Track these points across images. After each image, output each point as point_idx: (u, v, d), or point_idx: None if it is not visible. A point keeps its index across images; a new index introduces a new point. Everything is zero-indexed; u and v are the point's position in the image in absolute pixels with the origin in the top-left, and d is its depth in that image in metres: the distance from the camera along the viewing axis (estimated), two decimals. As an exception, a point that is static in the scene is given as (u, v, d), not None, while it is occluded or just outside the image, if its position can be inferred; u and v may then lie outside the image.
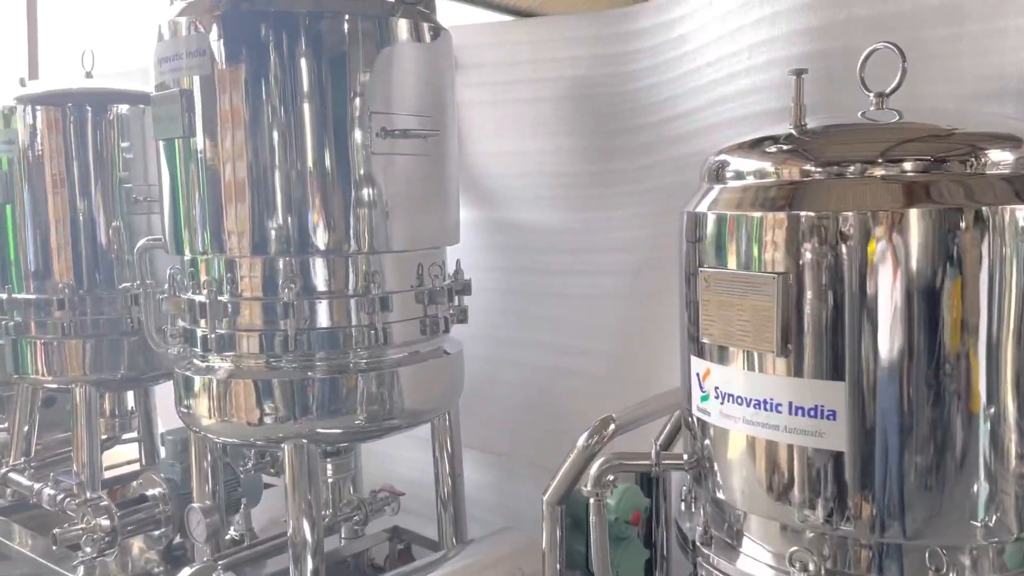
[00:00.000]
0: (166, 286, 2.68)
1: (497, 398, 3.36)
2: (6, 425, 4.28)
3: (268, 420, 2.54)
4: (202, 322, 2.57)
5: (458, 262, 2.86)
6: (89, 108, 3.42)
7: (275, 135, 2.41)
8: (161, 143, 2.60)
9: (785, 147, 1.59)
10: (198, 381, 2.61)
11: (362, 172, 2.48)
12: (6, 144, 3.43)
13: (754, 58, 2.35)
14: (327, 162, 2.45)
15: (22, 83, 3.51)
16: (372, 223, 2.52)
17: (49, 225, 3.43)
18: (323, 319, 2.54)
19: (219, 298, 2.50)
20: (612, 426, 1.92)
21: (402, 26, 2.55)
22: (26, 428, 3.84)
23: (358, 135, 2.46)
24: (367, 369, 2.57)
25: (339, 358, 2.56)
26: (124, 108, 3.48)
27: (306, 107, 2.42)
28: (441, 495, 3.00)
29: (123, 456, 4.42)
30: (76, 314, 3.44)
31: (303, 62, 2.40)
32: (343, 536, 3.30)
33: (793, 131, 1.59)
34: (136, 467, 4.30)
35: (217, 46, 2.41)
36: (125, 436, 4.27)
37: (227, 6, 2.43)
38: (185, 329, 2.65)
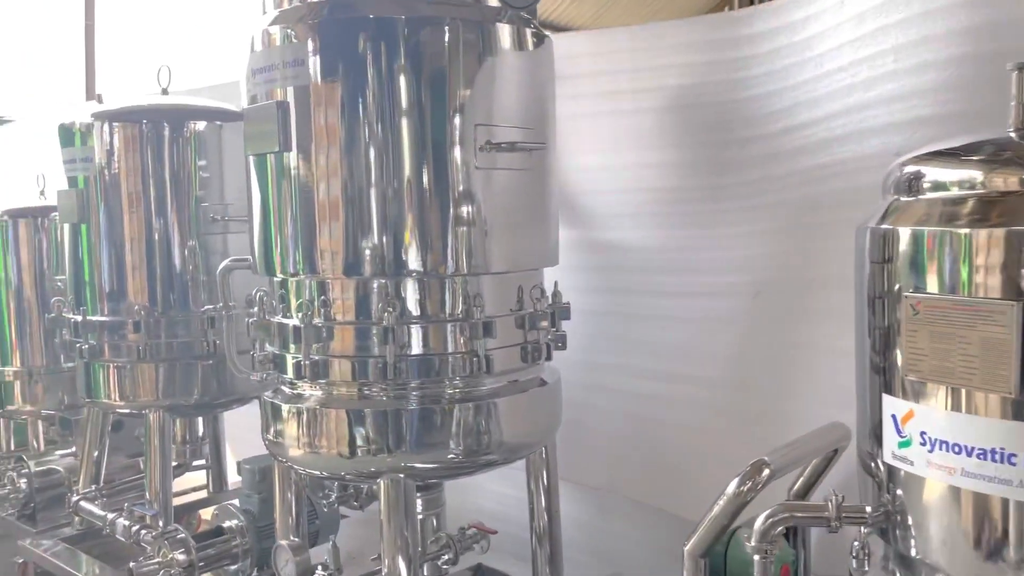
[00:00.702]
0: (255, 309, 2.53)
1: (592, 427, 3.16)
2: (74, 449, 4.20)
3: (361, 452, 2.37)
4: (293, 347, 2.42)
5: (556, 284, 2.68)
6: (166, 125, 3.32)
7: (373, 149, 2.26)
8: (251, 159, 2.46)
9: (1003, 154, 1.38)
10: (286, 409, 2.45)
11: (462, 188, 2.32)
12: (83, 162, 3.34)
13: (901, 61, 2.14)
14: (427, 178, 2.29)
15: (99, 100, 3.43)
16: (472, 243, 2.35)
17: (124, 245, 3.32)
18: (419, 345, 2.36)
19: (314, 322, 2.35)
20: (766, 471, 1.71)
21: (505, 32, 2.39)
22: (96, 454, 3.72)
23: (460, 148, 2.30)
24: (464, 399, 2.39)
25: (434, 387, 2.38)
26: (201, 125, 3.38)
27: (406, 119, 2.26)
28: (536, 531, 2.80)
29: (186, 483, 4.29)
30: (150, 337, 3.32)
31: (404, 70, 2.25)
32: (426, 574, 3.12)
33: (1014, 134, 1.38)
34: (202, 495, 4.17)
35: (314, 56, 2.27)
36: (195, 463, 4.14)
37: (324, 14, 2.29)
38: (274, 355, 2.50)
